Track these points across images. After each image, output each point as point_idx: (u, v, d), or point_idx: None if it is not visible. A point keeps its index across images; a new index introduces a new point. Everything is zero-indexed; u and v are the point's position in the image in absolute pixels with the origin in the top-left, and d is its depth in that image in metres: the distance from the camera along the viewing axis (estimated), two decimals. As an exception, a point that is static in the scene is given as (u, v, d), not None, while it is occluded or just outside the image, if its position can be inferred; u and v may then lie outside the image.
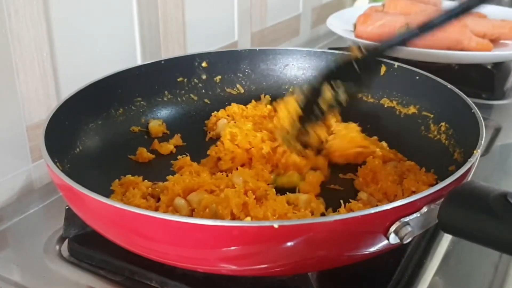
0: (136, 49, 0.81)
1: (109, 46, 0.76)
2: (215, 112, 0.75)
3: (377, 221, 0.44)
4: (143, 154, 0.68)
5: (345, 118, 0.71)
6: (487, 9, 1.09)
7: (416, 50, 0.95)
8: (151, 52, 0.83)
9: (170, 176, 0.61)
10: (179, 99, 0.76)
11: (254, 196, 0.54)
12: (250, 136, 0.66)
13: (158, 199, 0.58)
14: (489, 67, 0.96)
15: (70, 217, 0.57)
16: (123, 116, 0.71)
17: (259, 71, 0.79)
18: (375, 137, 0.70)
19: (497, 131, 0.83)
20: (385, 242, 0.45)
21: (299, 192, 0.60)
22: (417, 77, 0.70)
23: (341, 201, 0.57)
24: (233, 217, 0.52)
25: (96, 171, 0.62)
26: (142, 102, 0.73)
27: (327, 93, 0.61)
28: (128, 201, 0.57)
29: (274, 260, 0.44)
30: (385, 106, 0.73)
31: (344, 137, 0.67)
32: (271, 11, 1.13)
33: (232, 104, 0.76)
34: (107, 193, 0.59)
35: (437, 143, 0.65)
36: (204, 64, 0.77)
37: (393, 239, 0.44)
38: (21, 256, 0.57)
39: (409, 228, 0.44)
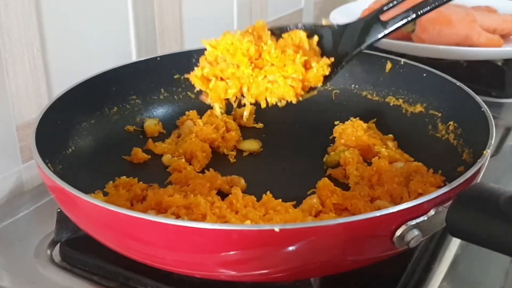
0: (131, 45, 0.81)
1: (103, 42, 0.76)
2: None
3: (383, 224, 0.44)
4: (138, 154, 0.68)
5: (348, 117, 0.72)
6: (497, 3, 1.09)
7: (423, 46, 0.95)
8: (146, 48, 0.83)
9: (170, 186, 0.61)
10: (176, 97, 0.76)
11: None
12: None
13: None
14: (499, 63, 0.96)
15: (62, 220, 0.57)
16: (118, 115, 0.71)
17: (259, 68, 0.79)
18: (389, 136, 0.70)
19: (507, 131, 0.83)
20: (391, 246, 0.45)
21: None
22: (424, 74, 0.70)
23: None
24: None
25: (89, 172, 0.62)
26: (137, 100, 0.73)
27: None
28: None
29: (275, 265, 0.44)
30: (391, 104, 0.73)
31: (349, 136, 0.68)
32: (272, 5, 1.13)
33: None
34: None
35: (445, 143, 0.65)
36: (202, 61, 0.77)
37: (399, 243, 0.44)
38: (11, 261, 0.58)
39: (416, 232, 0.44)
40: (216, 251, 0.43)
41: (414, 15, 0.52)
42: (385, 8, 0.54)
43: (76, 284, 0.54)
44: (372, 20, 0.54)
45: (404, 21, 0.52)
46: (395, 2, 0.54)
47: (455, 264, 0.56)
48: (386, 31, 0.53)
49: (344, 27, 0.57)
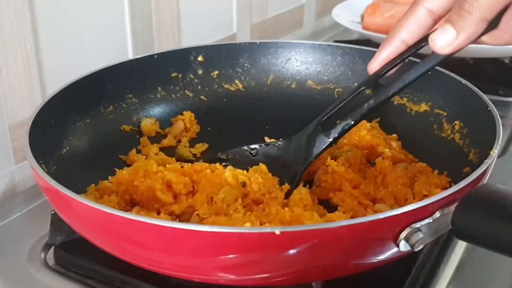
0: (127, 42, 0.81)
1: (98, 39, 0.76)
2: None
3: (387, 227, 0.44)
4: (135, 155, 0.68)
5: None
6: None
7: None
8: (143, 45, 0.83)
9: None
10: (173, 96, 0.76)
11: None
12: None
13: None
14: (506, 61, 0.97)
15: (56, 222, 0.57)
16: (113, 114, 0.71)
17: (259, 65, 0.79)
18: (392, 135, 0.70)
19: (515, 130, 0.83)
20: (395, 249, 0.45)
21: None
22: (429, 72, 0.70)
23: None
24: None
25: (84, 173, 0.62)
26: (133, 99, 0.73)
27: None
28: None
29: (276, 268, 0.44)
30: (395, 103, 0.73)
31: (352, 135, 0.68)
32: (273, 1, 1.13)
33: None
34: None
35: (450, 143, 0.65)
36: (200, 58, 0.77)
37: (404, 246, 0.44)
38: (3, 265, 0.58)
39: (420, 235, 0.44)
40: (215, 255, 0.43)
41: (352, 122, 0.55)
42: (324, 117, 0.58)
43: (71, 288, 0.54)
44: (314, 132, 0.58)
45: (345, 128, 0.56)
46: (331, 113, 0.58)
47: (461, 268, 0.56)
48: (330, 140, 0.57)
49: (288, 142, 0.62)
